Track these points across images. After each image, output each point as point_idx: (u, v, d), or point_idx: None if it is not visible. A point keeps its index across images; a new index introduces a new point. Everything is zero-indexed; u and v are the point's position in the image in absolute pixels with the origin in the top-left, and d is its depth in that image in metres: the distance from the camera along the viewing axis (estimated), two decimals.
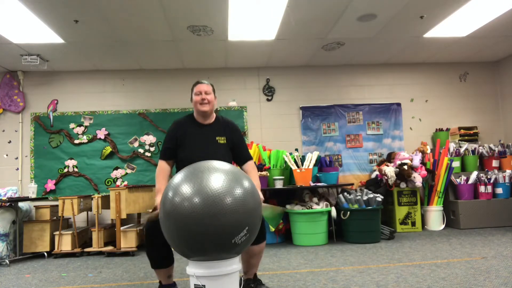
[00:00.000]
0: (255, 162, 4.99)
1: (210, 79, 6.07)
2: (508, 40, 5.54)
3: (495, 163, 5.85)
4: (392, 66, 6.41)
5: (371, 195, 4.76)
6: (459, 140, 6.07)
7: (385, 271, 3.26)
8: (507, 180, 5.51)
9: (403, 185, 5.44)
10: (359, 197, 4.77)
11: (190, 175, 1.98)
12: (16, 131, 5.77)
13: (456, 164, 5.77)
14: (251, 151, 5.38)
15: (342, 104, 6.25)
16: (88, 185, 5.72)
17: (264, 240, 2.61)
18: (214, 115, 2.81)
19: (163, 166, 2.70)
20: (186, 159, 2.58)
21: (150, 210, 2.51)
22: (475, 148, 5.90)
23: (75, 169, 5.73)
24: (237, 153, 2.79)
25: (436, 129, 6.30)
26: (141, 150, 5.85)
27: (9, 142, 5.76)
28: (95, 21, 4.33)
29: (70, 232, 4.83)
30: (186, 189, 1.90)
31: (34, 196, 5.08)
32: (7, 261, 4.40)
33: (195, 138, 2.69)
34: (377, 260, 3.71)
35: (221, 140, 2.72)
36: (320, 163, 5.54)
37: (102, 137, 5.81)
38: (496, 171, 5.65)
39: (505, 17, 4.73)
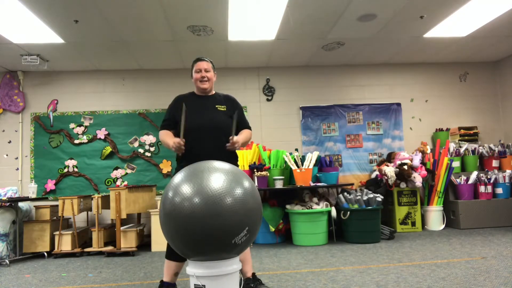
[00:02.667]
0: (254, 168, 5.03)
1: None
2: (508, 40, 5.54)
3: (495, 163, 5.85)
4: (392, 66, 6.41)
5: (371, 195, 4.76)
6: (459, 140, 6.07)
7: (385, 271, 3.26)
8: (507, 180, 5.51)
9: (403, 185, 5.44)
10: (359, 197, 4.77)
11: (190, 175, 1.98)
12: (16, 131, 5.77)
13: (456, 164, 5.77)
14: (251, 151, 5.39)
15: (342, 104, 6.25)
16: (88, 185, 5.72)
17: None
18: (214, 91, 2.86)
19: (165, 131, 2.74)
20: (188, 126, 2.62)
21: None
22: (475, 148, 5.90)
23: (75, 169, 5.73)
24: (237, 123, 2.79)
25: (436, 129, 6.30)
26: (141, 150, 5.85)
27: (9, 142, 5.76)
28: (95, 21, 4.33)
29: (70, 232, 4.83)
30: (186, 189, 1.90)
31: (34, 196, 5.08)
32: (7, 261, 4.40)
33: (195, 107, 2.72)
34: (377, 260, 3.71)
35: (221, 108, 2.75)
36: (320, 163, 5.54)
37: (102, 137, 5.81)
38: (496, 171, 5.65)
39: (505, 17, 4.73)
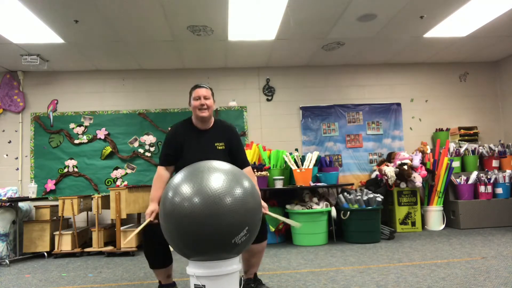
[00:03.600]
0: (254, 168, 5.03)
1: (210, 79, 6.07)
2: (508, 40, 5.54)
3: (495, 163, 5.85)
4: (392, 66, 6.41)
5: (371, 195, 4.76)
6: (459, 140, 6.06)
7: (385, 271, 3.26)
8: (507, 180, 5.51)
9: (403, 185, 5.44)
10: (359, 197, 4.77)
11: (190, 175, 1.98)
12: (16, 131, 5.77)
13: (456, 164, 5.77)
14: (251, 151, 5.38)
15: (342, 104, 6.25)
16: (88, 185, 5.72)
17: (265, 239, 2.60)
18: (213, 119, 2.77)
19: (162, 173, 2.65)
20: (185, 166, 2.56)
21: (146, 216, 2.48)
22: (475, 148, 5.90)
23: (75, 169, 5.73)
24: (235, 158, 2.74)
25: (436, 129, 6.30)
26: (141, 150, 5.85)
27: (9, 142, 5.76)
28: (95, 21, 4.33)
29: (70, 232, 4.83)
30: (186, 189, 1.91)
31: (34, 196, 5.08)
32: (7, 261, 4.40)
33: (193, 146, 2.65)
34: (377, 260, 3.71)
35: (220, 146, 2.69)
36: (320, 163, 5.54)
37: (102, 137, 5.81)
38: (496, 171, 5.65)
39: (505, 17, 4.73)
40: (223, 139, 2.71)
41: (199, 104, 2.62)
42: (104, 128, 5.84)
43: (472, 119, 6.44)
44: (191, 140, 2.67)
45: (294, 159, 5.20)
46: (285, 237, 5.21)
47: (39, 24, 4.32)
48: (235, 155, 2.74)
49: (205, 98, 2.64)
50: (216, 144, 2.68)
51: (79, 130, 5.81)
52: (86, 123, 5.84)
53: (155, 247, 2.45)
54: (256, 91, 6.19)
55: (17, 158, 5.73)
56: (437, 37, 5.29)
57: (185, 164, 2.57)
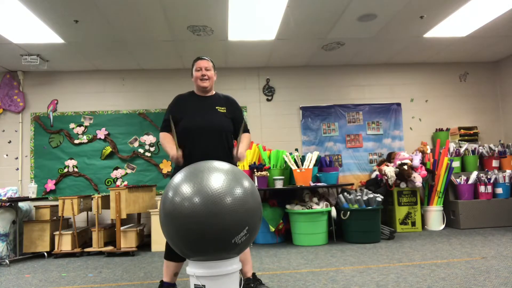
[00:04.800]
0: (254, 168, 5.03)
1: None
2: (508, 40, 5.54)
3: (495, 163, 5.85)
4: (392, 66, 6.41)
5: (371, 195, 4.76)
6: (459, 140, 6.06)
7: (385, 271, 3.26)
8: (507, 180, 5.51)
9: (403, 185, 5.44)
10: (359, 197, 4.77)
11: (190, 175, 1.98)
12: (16, 131, 5.77)
13: (456, 164, 5.77)
14: (251, 151, 5.39)
15: (342, 104, 6.25)
16: (88, 185, 5.72)
17: None
18: (214, 91, 2.84)
19: (166, 134, 2.72)
20: (187, 127, 2.64)
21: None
22: (475, 148, 5.90)
23: (75, 169, 5.73)
24: (235, 125, 2.81)
25: (436, 129, 6.30)
26: (141, 150, 5.85)
27: (9, 142, 5.76)
28: (95, 21, 4.33)
29: (70, 232, 4.83)
30: (186, 189, 1.91)
31: (34, 196, 5.08)
32: (7, 261, 4.40)
33: (195, 108, 2.72)
34: (377, 260, 3.71)
35: (221, 109, 2.75)
36: (320, 163, 5.54)
37: (102, 137, 5.81)
38: (496, 171, 5.65)
39: (505, 17, 4.73)
40: (224, 104, 2.79)
41: (201, 75, 2.72)
42: (104, 128, 5.84)
43: (472, 119, 6.44)
44: (193, 104, 2.74)
45: (294, 159, 5.20)
46: (285, 237, 5.21)
47: (39, 24, 4.32)
48: (237, 123, 2.80)
49: (206, 69, 2.73)
50: (217, 108, 2.74)
51: (79, 130, 5.81)
52: (86, 123, 5.84)
53: None
54: (256, 91, 6.19)
55: (17, 158, 5.73)
56: (437, 37, 5.29)
57: (186, 124, 2.64)
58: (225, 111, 2.75)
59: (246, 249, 2.67)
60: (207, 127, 2.64)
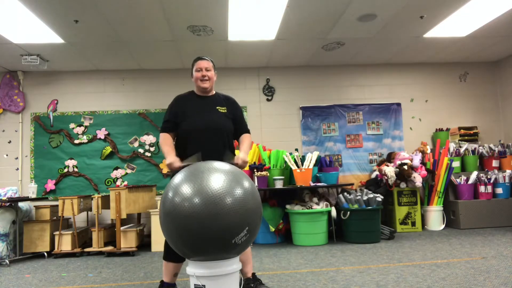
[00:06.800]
0: (254, 168, 5.03)
1: None
2: (508, 40, 5.54)
3: (495, 163, 5.85)
4: (392, 66, 6.41)
5: (371, 195, 4.76)
6: (459, 140, 6.06)
7: (385, 271, 3.26)
8: (507, 180, 5.51)
9: (403, 185, 5.44)
10: (359, 197, 4.77)
11: (190, 175, 1.98)
12: (16, 131, 5.77)
13: (456, 164, 5.77)
14: (251, 151, 5.38)
15: (342, 104, 6.25)
16: (88, 185, 5.72)
17: None
18: (214, 91, 2.84)
19: (167, 136, 2.70)
20: (188, 128, 2.64)
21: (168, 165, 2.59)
22: (475, 148, 5.90)
23: (75, 169, 5.73)
24: (236, 125, 2.80)
25: (436, 129, 6.30)
26: (141, 150, 5.85)
27: (9, 142, 5.76)
28: (95, 21, 4.33)
29: (70, 232, 4.83)
30: (186, 189, 1.90)
31: (34, 196, 5.08)
32: (7, 261, 4.40)
33: (196, 108, 2.71)
34: (377, 260, 3.71)
35: (222, 109, 2.74)
36: (320, 163, 5.54)
37: (102, 137, 5.81)
38: (496, 171, 5.65)
39: (505, 17, 4.73)
40: (224, 105, 2.78)
41: (201, 75, 2.70)
42: (104, 128, 5.84)
43: (472, 119, 6.44)
44: (194, 104, 2.73)
45: (294, 159, 5.20)
46: (285, 237, 5.21)
47: (39, 24, 4.32)
48: (237, 123, 2.80)
49: (207, 69, 2.72)
50: (218, 108, 2.74)
51: (79, 130, 5.81)
52: (86, 123, 5.84)
53: None
54: (256, 91, 6.19)
55: (17, 158, 5.73)
56: (437, 37, 5.29)
57: (187, 125, 2.64)
58: (225, 111, 2.74)
59: (247, 250, 2.68)
60: (208, 128, 2.63)
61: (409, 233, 5.33)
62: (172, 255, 2.56)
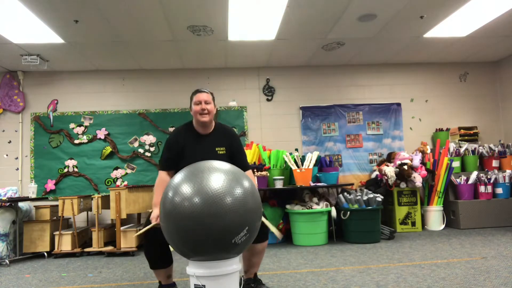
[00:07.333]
0: (254, 168, 5.02)
1: (210, 79, 6.07)
2: (508, 40, 5.54)
3: (495, 163, 5.85)
4: (392, 66, 6.41)
5: (371, 195, 4.76)
6: (459, 140, 6.06)
7: (385, 271, 3.26)
8: (507, 180, 5.51)
9: (403, 185, 5.44)
10: (359, 197, 4.77)
11: (190, 175, 1.98)
12: (16, 131, 5.77)
13: (456, 164, 5.77)
14: (251, 151, 5.38)
15: (342, 104, 6.25)
16: (88, 185, 5.72)
17: (267, 239, 2.61)
18: (214, 123, 2.77)
19: (163, 177, 2.62)
20: None
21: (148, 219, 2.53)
22: (475, 148, 5.90)
23: (75, 169, 5.73)
24: (236, 162, 2.71)
25: (436, 129, 6.30)
26: (141, 150, 5.85)
27: (9, 142, 5.76)
28: (95, 21, 4.33)
29: (70, 232, 4.83)
30: (186, 189, 1.90)
31: (34, 196, 5.08)
32: (7, 261, 4.40)
33: (194, 150, 2.65)
34: (377, 260, 3.71)
35: (221, 150, 2.69)
36: (320, 163, 5.54)
37: (102, 137, 5.81)
38: (496, 171, 5.65)
39: (505, 17, 4.73)
40: (224, 143, 2.72)
41: (200, 109, 2.63)
42: (104, 128, 5.84)
43: (472, 119, 6.44)
44: (192, 145, 2.67)
45: (294, 159, 5.20)
46: (285, 237, 5.21)
47: (39, 24, 4.32)
48: (236, 159, 2.73)
49: (206, 102, 2.64)
50: (217, 149, 2.68)
51: (79, 130, 5.81)
52: (86, 123, 5.84)
53: (156, 248, 2.46)
54: (256, 91, 6.19)
55: (17, 158, 5.73)
56: (437, 37, 5.29)
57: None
58: (224, 152, 2.69)
59: (263, 253, 2.66)
60: None
61: (409, 233, 5.33)
62: (157, 262, 2.52)
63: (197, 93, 2.68)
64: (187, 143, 2.67)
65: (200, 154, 2.62)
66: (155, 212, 2.46)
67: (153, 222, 2.40)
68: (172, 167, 2.64)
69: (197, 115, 2.64)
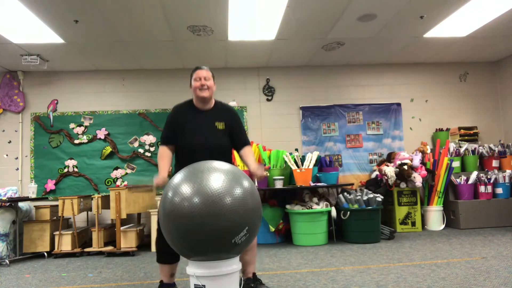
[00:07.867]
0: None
1: None
2: (508, 40, 5.54)
3: (495, 163, 5.85)
4: (392, 66, 6.41)
5: (371, 195, 4.76)
6: (459, 140, 6.06)
7: (385, 271, 3.26)
8: (507, 180, 5.50)
9: (403, 185, 5.44)
10: (359, 197, 4.77)
11: (190, 175, 1.98)
12: (16, 131, 5.77)
13: (456, 164, 5.77)
14: None
15: (342, 104, 6.25)
16: (88, 185, 5.72)
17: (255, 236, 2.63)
18: (213, 100, 2.80)
19: (165, 150, 2.72)
20: (186, 145, 2.64)
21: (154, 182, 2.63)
22: (475, 148, 5.90)
23: (75, 169, 5.73)
24: (235, 138, 2.78)
25: (436, 129, 6.30)
26: (141, 150, 5.85)
27: (9, 142, 5.76)
28: (95, 21, 4.33)
29: (70, 232, 4.83)
30: (186, 189, 1.90)
31: (34, 196, 5.08)
32: (7, 261, 4.40)
33: (194, 124, 2.69)
34: (377, 260, 3.71)
35: (220, 125, 2.72)
36: (320, 163, 5.54)
37: (102, 137, 5.81)
38: (496, 171, 5.65)
39: (505, 17, 4.73)
40: (223, 119, 2.75)
41: (200, 85, 2.67)
42: (104, 128, 5.84)
43: (472, 119, 6.44)
44: (192, 119, 2.70)
45: (294, 159, 5.20)
46: (285, 237, 5.21)
47: (39, 24, 4.32)
48: (236, 135, 2.78)
49: (206, 79, 2.68)
50: (216, 124, 2.71)
51: (79, 130, 5.81)
52: (86, 123, 5.84)
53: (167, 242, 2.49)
54: (256, 91, 6.19)
55: (17, 158, 5.73)
56: (437, 37, 5.29)
57: (185, 142, 2.64)
58: (223, 127, 2.72)
59: (254, 250, 2.68)
60: (205, 146, 2.61)
61: (409, 233, 5.33)
62: (164, 257, 2.56)
63: (197, 69, 2.73)
64: (187, 119, 2.70)
65: (200, 128, 2.67)
66: (161, 175, 2.59)
67: (156, 183, 2.57)
68: (171, 142, 2.72)
69: (197, 91, 2.68)
